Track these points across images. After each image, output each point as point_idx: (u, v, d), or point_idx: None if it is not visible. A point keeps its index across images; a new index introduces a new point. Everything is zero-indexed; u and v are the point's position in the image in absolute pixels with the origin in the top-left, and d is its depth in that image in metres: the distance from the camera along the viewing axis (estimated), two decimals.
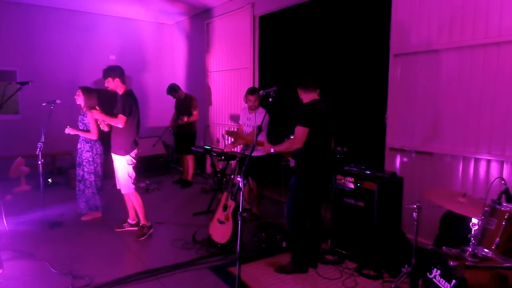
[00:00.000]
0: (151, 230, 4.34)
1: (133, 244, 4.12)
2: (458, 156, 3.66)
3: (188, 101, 6.50)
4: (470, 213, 2.51)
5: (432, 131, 3.88)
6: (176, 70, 9.08)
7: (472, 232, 2.41)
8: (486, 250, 2.29)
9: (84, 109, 4.65)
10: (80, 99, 4.65)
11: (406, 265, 3.00)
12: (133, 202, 4.33)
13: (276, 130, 4.68)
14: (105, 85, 4.14)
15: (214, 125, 7.81)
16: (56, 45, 7.58)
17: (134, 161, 4.20)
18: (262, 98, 4.55)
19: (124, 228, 4.48)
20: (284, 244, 3.82)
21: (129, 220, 4.51)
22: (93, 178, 4.70)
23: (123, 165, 4.17)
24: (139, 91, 7.43)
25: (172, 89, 6.59)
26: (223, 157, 5.18)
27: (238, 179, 3.09)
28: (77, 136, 4.69)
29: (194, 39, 8.38)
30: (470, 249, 2.37)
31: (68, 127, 4.57)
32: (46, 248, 3.89)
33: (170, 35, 9.14)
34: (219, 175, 5.61)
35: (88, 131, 4.62)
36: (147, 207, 4.41)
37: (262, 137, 4.40)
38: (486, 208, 2.37)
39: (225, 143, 6.91)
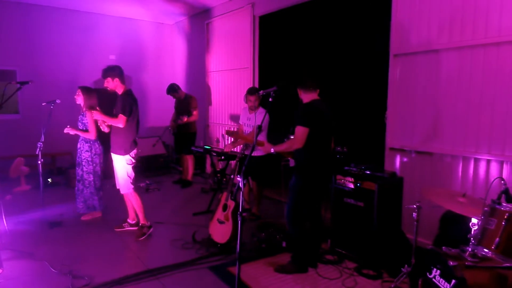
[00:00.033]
0: (151, 230, 4.33)
1: (133, 244, 4.13)
2: (458, 156, 3.66)
3: (188, 101, 6.50)
4: (470, 213, 2.51)
5: (432, 131, 3.87)
6: (176, 70, 9.07)
7: (472, 232, 2.41)
8: (485, 250, 2.29)
9: (84, 109, 4.65)
10: (80, 99, 4.65)
11: (406, 265, 3.00)
12: (132, 202, 4.33)
13: (276, 130, 4.67)
14: (105, 85, 4.14)
15: (214, 125, 7.81)
16: (56, 45, 7.58)
17: (133, 161, 4.21)
18: (262, 98, 4.55)
19: (124, 228, 4.48)
20: (284, 244, 3.82)
21: (129, 220, 4.52)
22: (92, 178, 4.70)
23: (122, 165, 4.17)
24: (139, 91, 7.44)
25: (172, 89, 6.59)
26: (223, 157, 5.18)
27: (238, 179, 3.08)
28: (77, 136, 4.69)
29: (194, 39, 8.38)
30: (469, 249, 2.37)
31: (68, 126, 4.58)
32: (46, 248, 3.89)
33: (170, 35, 9.13)
34: (219, 175, 5.61)
35: (87, 131, 4.63)
36: (147, 207, 4.41)
37: (262, 137, 4.40)
38: (485, 208, 2.37)
39: (225, 143, 6.92)
